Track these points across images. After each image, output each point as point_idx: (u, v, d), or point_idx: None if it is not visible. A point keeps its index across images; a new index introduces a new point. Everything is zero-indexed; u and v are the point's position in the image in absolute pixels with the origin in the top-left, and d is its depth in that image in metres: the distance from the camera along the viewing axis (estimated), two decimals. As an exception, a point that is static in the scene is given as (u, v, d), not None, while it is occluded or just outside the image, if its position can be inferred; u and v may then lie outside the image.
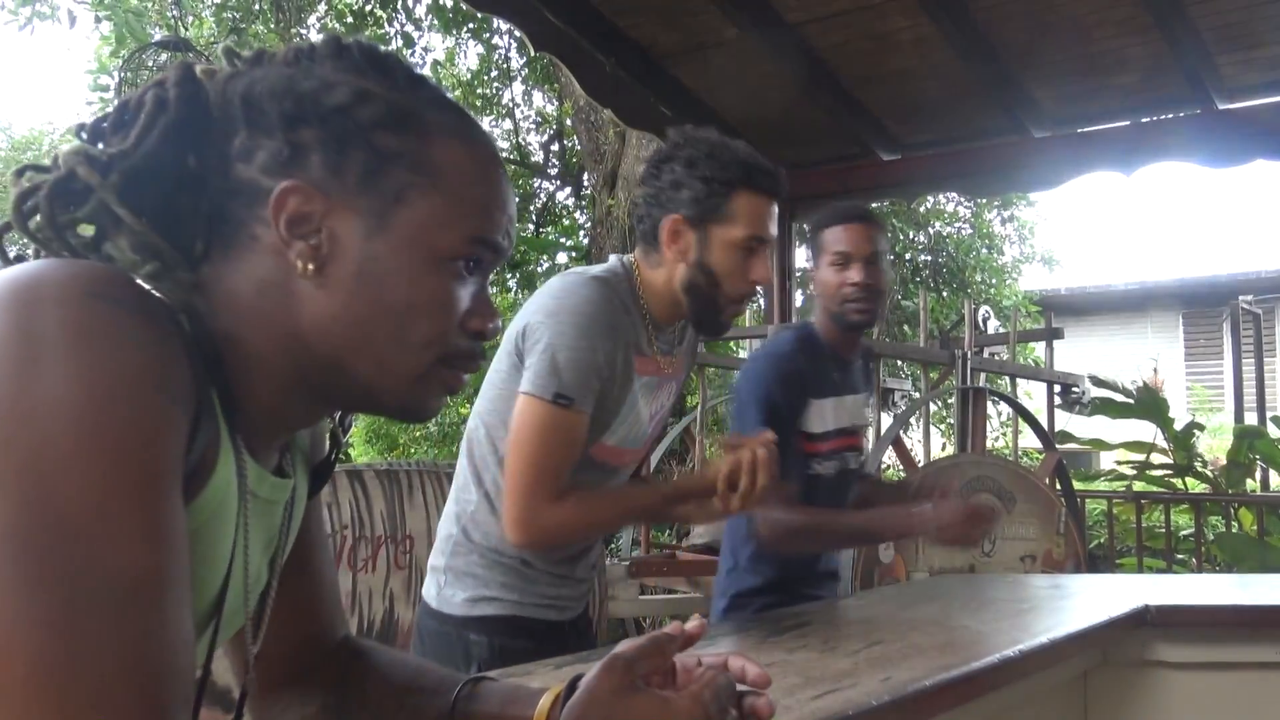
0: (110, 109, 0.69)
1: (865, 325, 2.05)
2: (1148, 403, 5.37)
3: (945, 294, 9.88)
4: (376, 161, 0.67)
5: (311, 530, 0.87)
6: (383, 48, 0.73)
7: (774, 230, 1.57)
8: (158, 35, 7.96)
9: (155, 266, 0.64)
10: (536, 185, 10.13)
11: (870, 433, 2.23)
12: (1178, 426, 5.46)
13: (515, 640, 1.56)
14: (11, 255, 0.66)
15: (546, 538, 1.49)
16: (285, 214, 0.65)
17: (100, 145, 0.67)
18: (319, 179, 0.66)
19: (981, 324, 6.08)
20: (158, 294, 0.62)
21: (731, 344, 7.48)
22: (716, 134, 1.60)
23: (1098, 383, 5.38)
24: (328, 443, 0.85)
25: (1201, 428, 5.73)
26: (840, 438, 2.07)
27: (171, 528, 0.54)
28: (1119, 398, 5.55)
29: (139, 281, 0.61)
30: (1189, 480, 5.47)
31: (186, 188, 0.68)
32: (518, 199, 10.45)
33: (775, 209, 1.58)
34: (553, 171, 10.15)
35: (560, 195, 10.68)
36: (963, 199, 10.26)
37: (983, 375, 4.84)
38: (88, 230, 0.66)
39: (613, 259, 1.62)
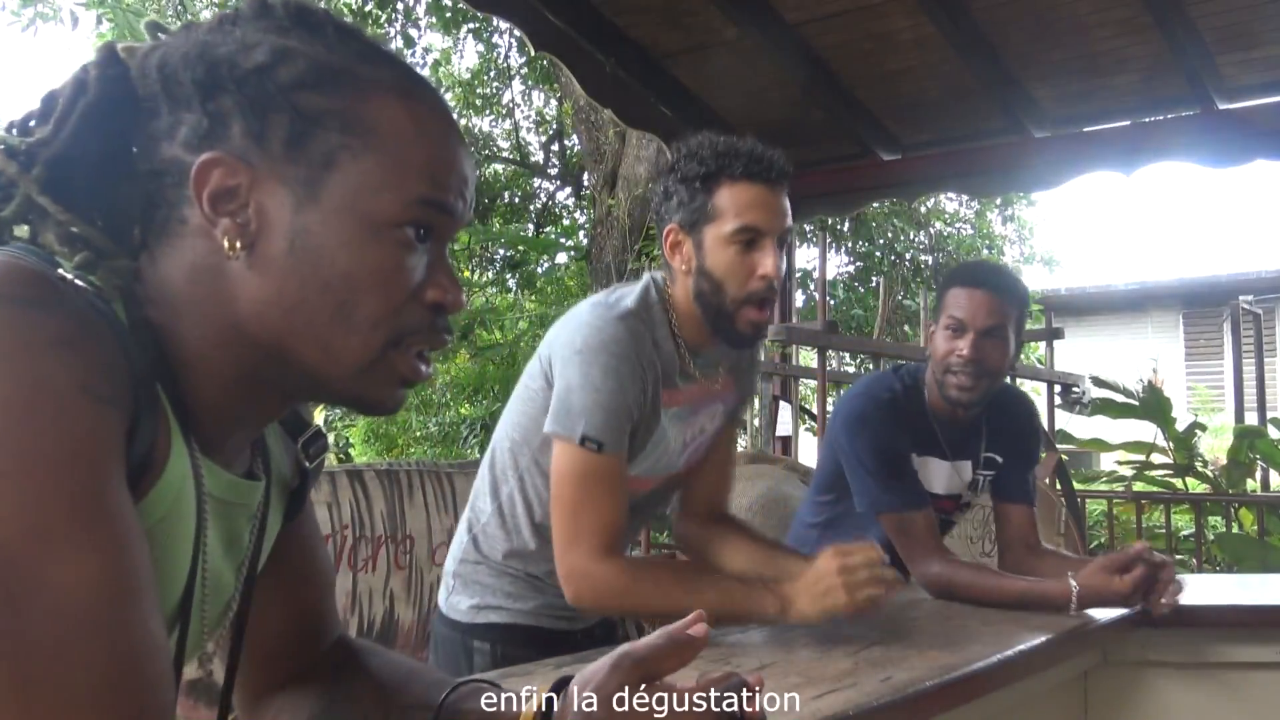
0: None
1: (964, 404, 1.84)
2: (1150, 403, 5.37)
3: (945, 294, 9.86)
4: (301, 125, 0.61)
5: (306, 533, 0.85)
6: (312, 4, 0.67)
7: (775, 219, 1.42)
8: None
9: (85, 256, 0.60)
10: (536, 185, 10.13)
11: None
12: (1179, 427, 5.46)
13: (518, 649, 1.53)
14: None
15: (599, 598, 1.36)
16: (208, 189, 0.60)
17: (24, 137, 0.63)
18: (241, 149, 0.61)
19: (981, 324, 6.06)
20: (87, 285, 0.58)
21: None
22: (710, 134, 1.49)
23: (1099, 383, 5.39)
24: (297, 477, 0.81)
25: (1204, 428, 5.74)
26: (941, 501, 1.94)
27: (120, 533, 0.50)
28: (1120, 398, 5.55)
29: (59, 274, 0.57)
30: (1189, 480, 5.47)
31: (116, 173, 0.63)
32: (518, 198, 10.46)
33: (774, 196, 1.43)
34: (553, 171, 10.15)
35: (560, 195, 10.69)
36: (963, 199, 10.26)
37: (983, 375, 4.83)
38: (23, 230, 0.63)
39: (646, 279, 1.52)
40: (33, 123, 0.63)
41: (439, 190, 0.64)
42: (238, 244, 0.61)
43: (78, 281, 0.58)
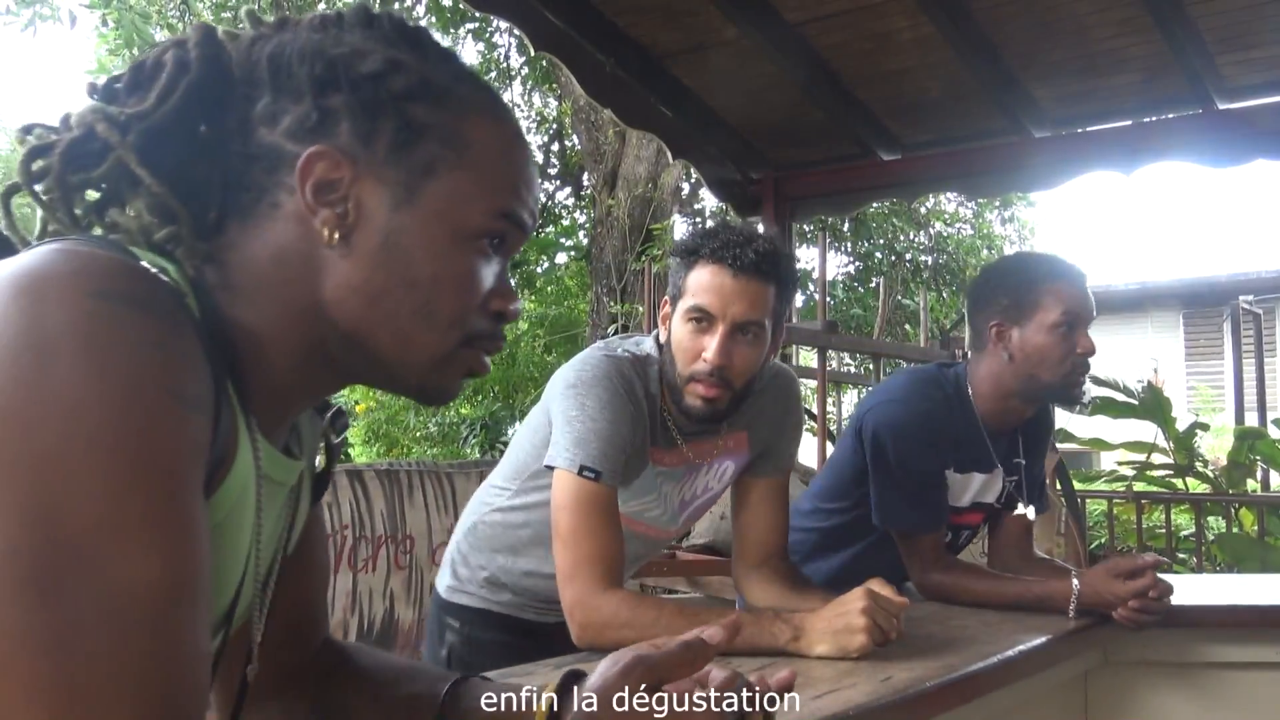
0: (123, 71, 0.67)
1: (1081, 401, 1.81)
2: (1150, 403, 5.37)
3: (946, 294, 9.89)
4: (407, 132, 0.65)
5: (311, 528, 0.85)
6: (413, 21, 0.72)
7: (729, 305, 1.41)
8: (160, 36, 7.96)
9: (170, 231, 0.62)
10: (536, 185, 10.13)
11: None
12: (1180, 427, 5.46)
13: (486, 632, 1.62)
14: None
15: (601, 631, 1.34)
16: (312, 179, 0.63)
17: (121, 105, 0.64)
18: (347, 146, 0.64)
19: (981, 324, 6.07)
20: (164, 278, 0.59)
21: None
22: (723, 220, 1.55)
23: (1098, 382, 5.39)
24: (322, 457, 0.83)
25: (1205, 427, 5.74)
26: (966, 512, 1.88)
27: (189, 538, 0.51)
28: (1120, 397, 5.55)
29: (145, 267, 0.58)
30: (1190, 480, 5.47)
31: (204, 153, 0.65)
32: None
33: (739, 282, 1.41)
34: (553, 171, 10.15)
35: (560, 195, 10.69)
36: (963, 199, 10.26)
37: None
38: (91, 196, 0.64)
39: (644, 341, 1.55)
40: (119, 89, 0.65)
41: (518, 204, 0.69)
42: (335, 234, 0.64)
43: (161, 276, 0.58)
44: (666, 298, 1.51)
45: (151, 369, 0.51)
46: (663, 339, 1.50)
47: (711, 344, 1.41)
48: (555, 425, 1.44)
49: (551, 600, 1.54)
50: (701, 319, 1.43)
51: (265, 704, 0.85)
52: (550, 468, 1.42)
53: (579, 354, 1.52)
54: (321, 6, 9.01)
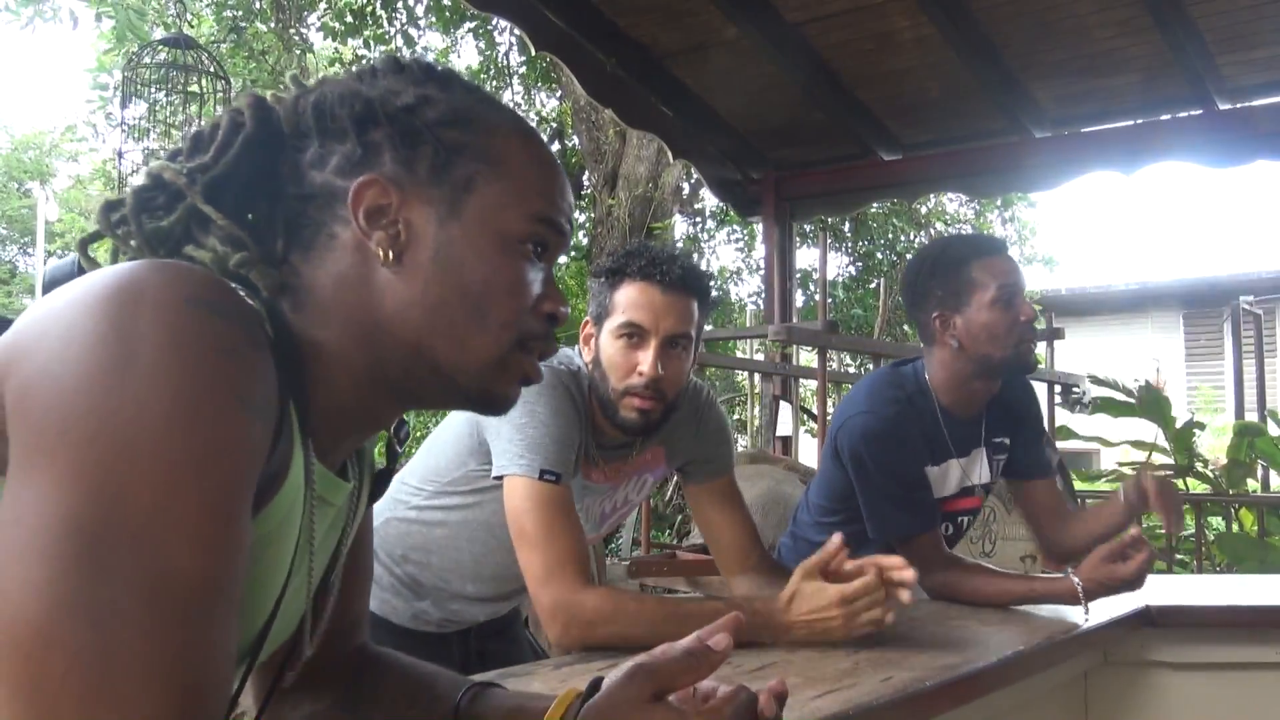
0: (184, 141, 0.74)
1: (1031, 369, 1.83)
2: (1149, 402, 5.37)
3: (945, 294, 9.86)
4: (444, 154, 0.71)
5: (363, 530, 0.88)
6: (439, 63, 0.79)
7: (661, 320, 1.45)
8: (157, 34, 7.96)
9: (244, 256, 0.68)
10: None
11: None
12: (1178, 425, 5.46)
13: (376, 632, 1.59)
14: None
15: (588, 629, 1.34)
16: (363, 206, 0.69)
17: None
18: (392, 173, 0.70)
19: (982, 324, 6.06)
20: (248, 300, 0.64)
21: (732, 343, 7.48)
22: (641, 242, 1.55)
23: (1097, 382, 5.39)
24: (383, 456, 0.87)
25: (1202, 426, 5.73)
26: (949, 502, 1.88)
27: (234, 542, 0.54)
28: (1120, 397, 5.55)
29: (229, 283, 0.63)
30: (1190, 480, 5.47)
31: (263, 197, 0.72)
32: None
33: (669, 298, 1.45)
34: (553, 171, 10.15)
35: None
36: (963, 199, 10.26)
37: (983, 375, 4.83)
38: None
39: (573, 354, 1.57)
40: (180, 157, 0.72)
41: (554, 210, 0.75)
42: (390, 253, 0.69)
43: (242, 293, 0.64)
44: (588, 318, 1.52)
45: (224, 374, 0.55)
46: (586, 358, 1.52)
47: (646, 358, 1.45)
48: (500, 434, 1.44)
49: (460, 602, 1.63)
50: (634, 334, 1.46)
51: (296, 699, 0.88)
52: (500, 478, 1.43)
53: None
54: (323, 6, 9.01)
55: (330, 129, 0.71)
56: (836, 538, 1.38)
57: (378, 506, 1.64)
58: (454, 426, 1.61)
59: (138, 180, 0.70)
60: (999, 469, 1.95)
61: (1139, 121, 3.72)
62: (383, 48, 8.79)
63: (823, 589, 1.35)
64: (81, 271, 0.68)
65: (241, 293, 0.64)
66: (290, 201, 0.72)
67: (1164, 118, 3.66)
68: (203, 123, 0.75)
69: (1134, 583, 1.61)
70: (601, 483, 1.60)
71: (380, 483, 0.86)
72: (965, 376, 1.80)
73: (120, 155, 5.68)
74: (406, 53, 8.83)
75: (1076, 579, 1.63)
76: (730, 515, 1.66)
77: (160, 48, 5.63)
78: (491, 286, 0.71)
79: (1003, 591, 1.72)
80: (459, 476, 1.56)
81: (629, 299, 1.47)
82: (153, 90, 5.49)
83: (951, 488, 1.87)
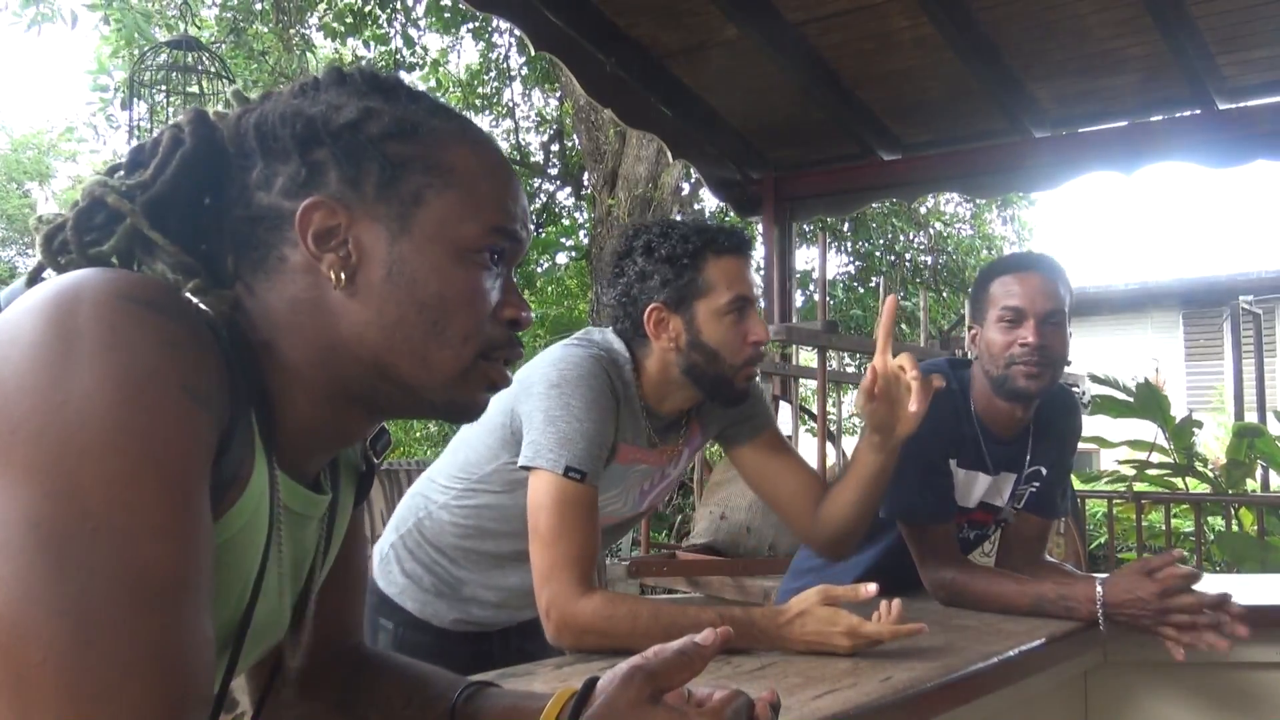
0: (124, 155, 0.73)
1: (1033, 394, 1.71)
2: (1147, 400, 5.36)
3: (945, 294, 9.89)
4: (390, 169, 0.70)
5: (351, 537, 0.88)
6: (383, 71, 0.77)
7: (756, 287, 1.52)
8: (159, 35, 7.96)
9: (197, 283, 0.66)
10: (536, 185, 10.13)
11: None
12: (1177, 422, 5.46)
13: (422, 635, 1.59)
14: None
15: (579, 635, 1.34)
16: (311, 229, 0.68)
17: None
18: (338, 193, 0.69)
19: (982, 324, 6.07)
20: (194, 301, 0.64)
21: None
22: (663, 218, 1.56)
23: (1097, 380, 5.38)
24: (363, 463, 0.86)
25: (1199, 424, 5.73)
26: (973, 512, 1.83)
27: (194, 527, 0.54)
28: (1119, 395, 5.55)
29: (173, 285, 0.63)
30: (1189, 480, 5.47)
31: (209, 218, 0.70)
32: (518, 199, 10.47)
33: (750, 266, 1.52)
34: (553, 171, 10.15)
35: (560, 195, 10.69)
36: (963, 199, 10.26)
37: (983, 375, 4.83)
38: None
39: (610, 335, 1.55)
40: (120, 173, 0.70)
41: (507, 218, 0.73)
42: (341, 275, 0.68)
43: (190, 298, 0.64)
44: (660, 303, 1.48)
45: (167, 364, 0.55)
46: (669, 345, 1.49)
47: (757, 326, 1.49)
48: (532, 424, 1.42)
49: (494, 606, 1.61)
50: (744, 308, 1.48)
51: (294, 700, 0.88)
52: (528, 468, 1.41)
53: (555, 350, 1.49)
54: (323, 6, 9.01)
55: (273, 149, 0.69)
56: (872, 588, 1.34)
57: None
58: (486, 419, 1.57)
59: (77, 201, 0.68)
60: (1026, 500, 1.87)
61: (1139, 121, 3.72)
62: (383, 48, 8.80)
63: (835, 615, 1.33)
64: None
65: (195, 301, 0.64)
66: (238, 223, 0.70)
67: (1164, 118, 3.66)
68: (151, 140, 0.72)
69: (1158, 608, 1.53)
70: (656, 464, 1.58)
71: (363, 488, 0.86)
72: (987, 390, 1.76)
73: (121, 157, 5.67)
74: (406, 53, 8.85)
75: (1100, 589, 1.56)
76: (789, 460, 1.64)
77: (162, 49, 5.63)
78: (448, 300, 0.70)
79: (1015, 594, 1.66)
80: (491, 471, 1.53)
81: (727, 274, 1.48)
82: (153, 91, 5.49)
83: (973, 500, 1.81)
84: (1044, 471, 1.86)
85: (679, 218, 1.56)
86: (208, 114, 0.72)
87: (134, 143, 0.77)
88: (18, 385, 0.52)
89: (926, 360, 1.80)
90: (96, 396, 0.52)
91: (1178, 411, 5.60)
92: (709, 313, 1.47)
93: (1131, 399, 5.49)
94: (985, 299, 1.75)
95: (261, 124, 0.70)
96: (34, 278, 0.67)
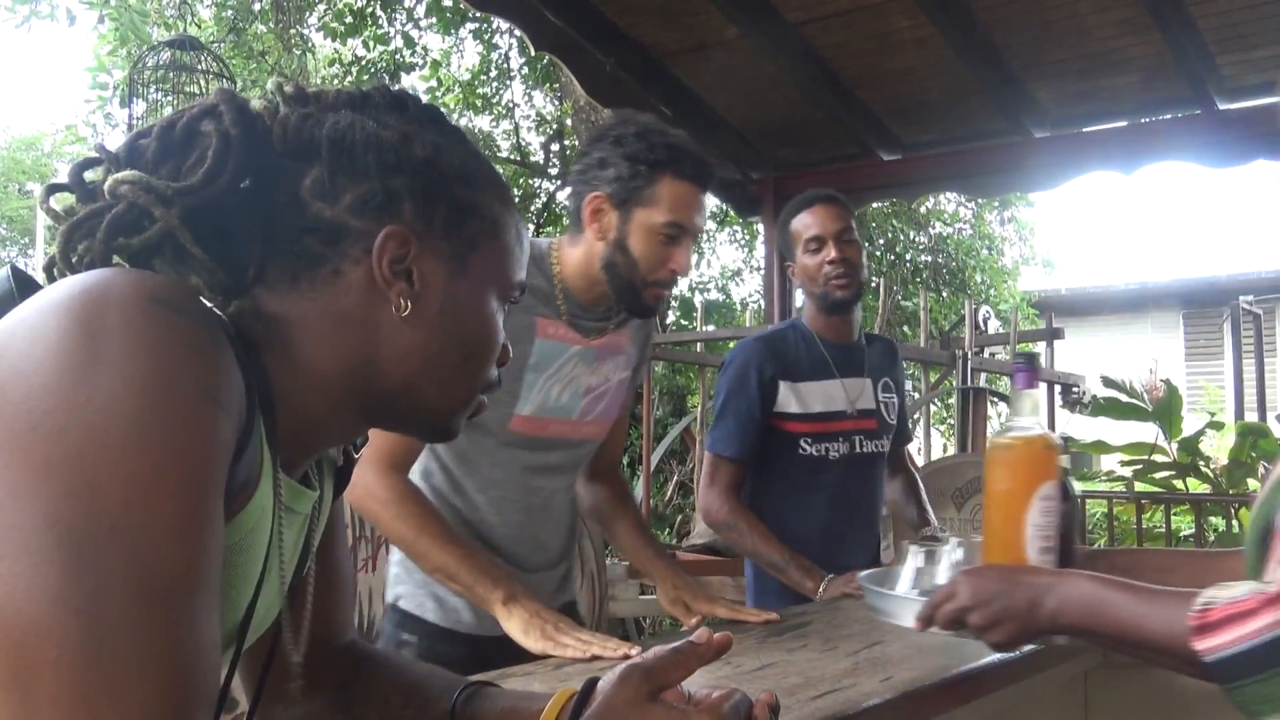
0: (149, 127, 0.71)
1: (850, 301, 2.10)
2: (1163, 405, 5.34)
3: (945, 294, 9.89)
4: (457, 211, 0.74)
5: (333, 530, 0.88)
6: (427, 100, 0.82)
7: (698, 221, 1.53)
8: (156, 34, 7.95)
9: (215, 285, 0.68)
10: (536, 185, 10.12)
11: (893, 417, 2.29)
12: (1184, 427, 5.43)
13: (444, 645, 1.56)
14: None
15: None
16: (388, 256, 0.70)
17: (152, 172, 0.68)
18: (412, 224, 0.72)
19: (982, 324, 6.08)
20: (213, 308, 0.65)
21: (731, 343, 7.48)
22: (655, 119, 1.55)
23: (1109, 384, 5.36)
24: (341, 457, 0.87)
25: (1220, 426, 5.70)
26: (841, 420, 2.13)
27: (209, 531, 0.54)
28: (1126, 398, 5.53)
29: (193, 289, 0.64)
30: (1190, 481, 5.46)
31: (245, 219, 0.71)
32: (518, 198, 10.47)
33: (702, 200, 1.54)
34: (553, 171, 10.14)
35: (560, 195, 10.67)
36: (963, 199, 10.26)
37: (983, 375, 4.85)
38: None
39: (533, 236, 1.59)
40: (147, 154, 0.68)
41: (522, 273, 0.81)
42: (406, 303, 0.72)
43: (211, 305, 0.66)
44: (604, 194, 1.50)
45: (191, 368, 0.56)
46: (595, 234, 1.52)
47: (684, 257, 1.52)
48: None
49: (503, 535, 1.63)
50: (677, 234, 1.50)
51: (291, 700, 0.88)
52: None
53: None
54: (323, 7, 9.00)
55: (344, 165, 0.71)
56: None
57: None
58: None
59: (108, 194, 0.67)
60: (892, 410, 2.25)
61: (1139, 121, 3.72)
62: (382, 48, 8.79)
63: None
64: (15, 288, 0.67)
65: (206, 302, 0.65)
66: (283, 228, 0.70)
67: (1164, 118, 3.66)
68: (179, 122, 0.70)
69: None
70: (585, 346, 1.60)
71: (340, 482, 0.87)
72: (815, 308, 2.15)
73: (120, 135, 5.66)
74: (406, 54, 8.84)
75: (822, 586, 1.90)
76: (621, 420, 1.77)
77: (162, 48, 5.63)
78: (481, 341, 0.77)
79: (759, 554, 2.01)
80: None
81: (675, 197, 1.49)
82: (152, 90, 5.48)
83: (847, 404, 2.13)
84: (892, 384, 2.27)
85: (664, 126, 1.56)
86: (248, 105, 0.71)
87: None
88: (41, 383, 0.52)
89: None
90: (121, 398, 0.52)
91: (1182, 413, 5.58)
92: (643, 225, 1.49)
93: (1140, 402, 5.47)
94: (790, 237, 2.14)
95: (337, 138, 0.71)
96: (50, 271, 0.68)
